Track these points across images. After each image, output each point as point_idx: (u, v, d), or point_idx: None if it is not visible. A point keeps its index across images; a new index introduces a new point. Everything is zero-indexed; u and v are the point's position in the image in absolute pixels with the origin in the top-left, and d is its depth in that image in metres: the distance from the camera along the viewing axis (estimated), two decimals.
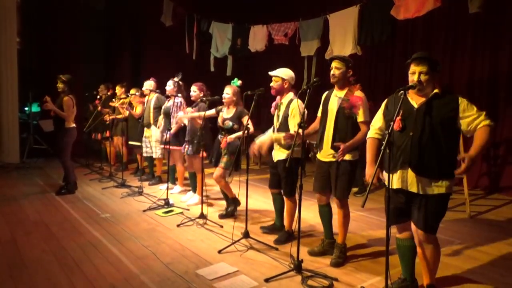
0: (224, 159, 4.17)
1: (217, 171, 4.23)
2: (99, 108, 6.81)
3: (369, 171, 2.62)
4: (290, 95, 3.57)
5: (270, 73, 3.60)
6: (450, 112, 2.34)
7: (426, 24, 6.36)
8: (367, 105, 3.07)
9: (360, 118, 3.03)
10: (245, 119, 4.02)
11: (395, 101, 2.43)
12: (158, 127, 5.49)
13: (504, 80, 5.62)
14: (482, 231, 4.04)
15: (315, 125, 3.34)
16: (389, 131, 2.23)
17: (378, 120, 2.68)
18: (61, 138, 5.25)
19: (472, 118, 2.32)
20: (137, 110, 6.00)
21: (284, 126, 3.47)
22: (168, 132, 4.94)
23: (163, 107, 5.40)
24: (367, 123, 3.03)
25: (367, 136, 2.76)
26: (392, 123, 2.33)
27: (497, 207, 4.97)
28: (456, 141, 2.44)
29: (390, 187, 2.34)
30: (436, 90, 2.38)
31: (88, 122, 6.68)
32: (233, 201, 4.38)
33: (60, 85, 5.30)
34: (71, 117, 5.27)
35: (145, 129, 5.75)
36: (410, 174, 2.41)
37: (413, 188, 2.42)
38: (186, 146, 4.73)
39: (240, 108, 4.18)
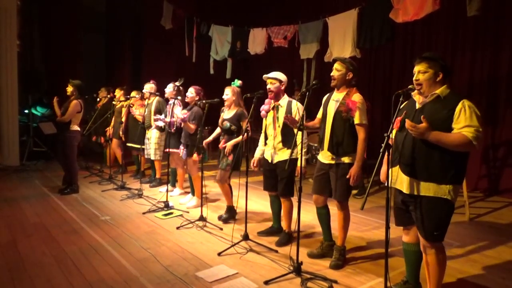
0: (223, 161, 4.18)
1: (218, 174, 4.25)
2: (103, 98, 6.88)
3: (384, 169, 2.64)
4: (286, 97, 3.61)
5: (266, 75, 3.62)
6: (445, 114, 2.25)
7: (425, 26, 6.37)
8: (364, 108, 3.06)
9: (356, 120, 3.03)
10: (244, 123, 4.03)
11: (403, 103, 2.44)
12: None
13: (504, 82, 5.63)
14: (481, 234, 4.05)
15: (314, 122, 3.38)
16: (388, 133, 2.25)
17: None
18: (66, 141, 5.31)
19: (459, 126, 2.19)
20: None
21: (286, 127, 3.47)
22: (169, 135, 4.94)
23: (165, 111, 5.40)
24: (364, 126, 3.04)
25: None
26: (391, 125, 2.34)
27: (497, 209, 4.97)
28: None
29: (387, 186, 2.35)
30: (437, 91, 2.31)
31: (88, 125, 6.68)
32: (229, 210, 4.35)
33: (69, 89, 5.47)
34: (75, 120, 5.36)
35: (146, 131, 5.76)
36: (399, 172, 2.42)
37: (402, 187, 2.42)
38: (182, 149, 4.73)
39: (240, 110, 4.16)
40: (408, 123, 2.16)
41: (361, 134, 3.04)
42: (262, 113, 3.69)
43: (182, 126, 4.63)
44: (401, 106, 2.41)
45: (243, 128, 3.97)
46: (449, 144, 2.19)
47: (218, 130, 4.42)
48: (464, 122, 2.20)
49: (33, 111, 8.35)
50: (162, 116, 5.04)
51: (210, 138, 4.49)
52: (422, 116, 2.15)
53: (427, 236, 2.36)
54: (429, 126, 2.15)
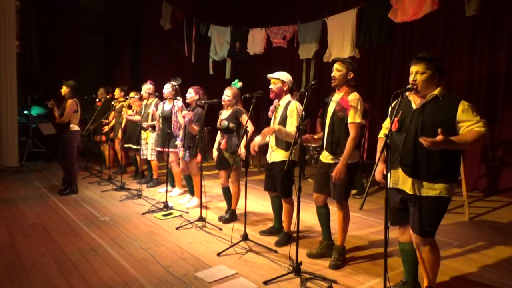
0: (231, 160, 4.15)
1: (222, 175, 4.25)
2: (102, 98, 6.91)
3: (380, 167, 2.64)
4: (288, 97, 3.59)
5: (269, 75, 3.61)
6: (446, 115, 2.27)
7: (423, 26, 6.39)
8: (359, 107, 3.03)
9: (349, 119, 3.02)
10: (244, 119, 4.02)
11: (399, 103, 2.44)
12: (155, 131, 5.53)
13: (502, 81, 5.64)
14: (481, 233, 4.05)
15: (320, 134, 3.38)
16: (387, 133, 2.25)
17: (387, 121, 2.71)
18: (66, 142, 5.32)
19: (468, 124, 2.22)
20: (138, 115, 6.00)
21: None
22: (168, 135, 4.94)
23: (159, 110, 5.39)
24: (355, 124, 3.01)
25: (378, 136, 2.76)
26: (390, 125, 2.34)
27: (496, 209, 4.98)
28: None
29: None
30: (435, 92, 2.33)
31: (87, 125, 6.69)
32: (231, 213, 4.34)
33: (64, 90, 5.47)
34: (74, 120, 5.38)
35: (142, 131, 5.77)
36: (401, 173, 2.42)
37: (404, 187, 2.42)
38: (182, 150, 4.72)
39: (236, 107, 4.15)
40: (425, 141, 2.11)
41: (351, 132, 3.02)
42: (269, 113, 3.70)
43: (185, 127, 4.63)
44: (396, 106, 2.41)
45: (243, 124, 3.96)
46: (468, 143, 2.20)
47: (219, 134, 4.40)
48: (471, 120, 2.22)
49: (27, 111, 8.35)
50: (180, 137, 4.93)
51: (217, 142, 4.35)
52: (439, 130, 2.10)
53: (421, 232, 2.38)
54: (446, 137, 2.10)
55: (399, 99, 2.38)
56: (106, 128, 6.63)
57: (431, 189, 2.32)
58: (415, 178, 2.36)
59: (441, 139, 2.09)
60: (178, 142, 4.86)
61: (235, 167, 4.13)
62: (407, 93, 2.46)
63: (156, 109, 5.47)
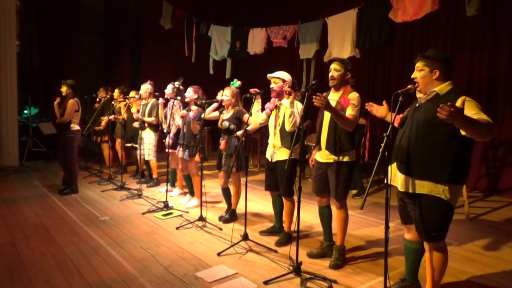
0: (226, 162, 4.17)
1: (221, 176, 4.25)
2: (103, 98, 6.94)
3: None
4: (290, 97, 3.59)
5: (270, 75, 3.61)
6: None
7: (424, 26, 6.38)
8: (357, 104, 3.03)
9: (347, 112, 3.01)
10: (245, 117, 4.01)
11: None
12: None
13: (502, 81, 5.64)
14: (481, 233, 4.05)
15: None
16: (387, 133, 2.24)
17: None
18: (66, 142, 5.33)
19: (472, 113, 2.04)
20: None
21: (285, 126, 3.48)
22: (169, 136, 4.94)
23: (164, 111, 5.39)
24: (354, 116, 3.01)
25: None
26: (392, 122, 2.34)
27: (496, 209, 4.98)
28: (459, 145, 2.20)
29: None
30: (435, 89, 2.30)
31: (87, 125, 6.69)
32: (231, 212, 4.34)
33: (64, 89, 5.49)
34: (75, 120, 5.39)
35: (140, 131, 5.77)
36: (395, 169, 2.44)
37: (396, 183, 2.43)
38: (181, 150, 4.72)
39: (238, 108, 4.18)
40: (442, 109, 1.85)
41: (350, 118, 2.99)
42: (266, 111, 3.68)
43: (184, 125, 4.63)
44: (398, 104, 2.41)
45: (244, 121, 3.96)
46: (479, 126, 1.96)
47: (214, 105, 4.48)
48: (472, 111, 2.06)
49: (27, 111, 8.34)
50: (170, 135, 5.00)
51: (211, 112, 4.51)
52: (448, 103, 1.86)
53: (425, 237, 2.36)
54: (460, 108, 1.88)
55: (400, 99, 2.37)
56: (102, 125, 6.64)
57: (422, 187, 2.29)
58: (407, 174, 2.36)
59: (461, 107, 1.88)
60: (167, 139, 4.90)
61: (225, 169, 4.14)
62: (417, 92, 2.45)
63: (163, 109, 5.49)
